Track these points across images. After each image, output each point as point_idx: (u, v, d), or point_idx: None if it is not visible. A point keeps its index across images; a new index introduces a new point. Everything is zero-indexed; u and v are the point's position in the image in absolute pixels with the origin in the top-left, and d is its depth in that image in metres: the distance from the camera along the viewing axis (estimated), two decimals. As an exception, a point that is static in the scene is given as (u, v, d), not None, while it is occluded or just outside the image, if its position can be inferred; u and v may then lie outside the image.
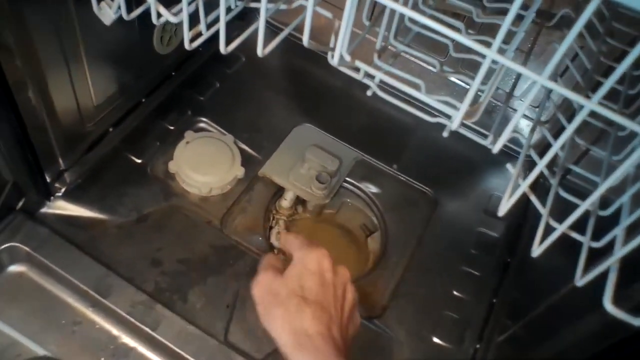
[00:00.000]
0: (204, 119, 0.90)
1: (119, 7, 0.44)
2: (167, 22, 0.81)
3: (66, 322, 0.68)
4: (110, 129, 0.82)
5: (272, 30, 0.97)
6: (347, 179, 0.89)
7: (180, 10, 0.42)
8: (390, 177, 0.91)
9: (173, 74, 0.89)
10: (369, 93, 0.45)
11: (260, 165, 0.87)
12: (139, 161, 0.83)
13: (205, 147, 0.85)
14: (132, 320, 0.67)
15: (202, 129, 0.90)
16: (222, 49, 0.43)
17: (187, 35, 0.42)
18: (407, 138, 0.96)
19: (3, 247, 0.69)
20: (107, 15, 0.45)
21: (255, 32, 0.42)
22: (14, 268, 0.71)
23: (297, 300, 0.49)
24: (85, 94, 0.74)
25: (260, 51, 0.42)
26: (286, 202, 0.86)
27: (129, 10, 0.44)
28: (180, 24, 0.42)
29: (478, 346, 0.74)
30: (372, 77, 0.43)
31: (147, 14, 0.44)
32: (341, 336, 0.49)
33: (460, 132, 0.44)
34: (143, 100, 0.86)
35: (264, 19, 0.40)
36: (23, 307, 0.68)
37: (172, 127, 0.88)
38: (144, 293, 0.69)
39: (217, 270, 0.75)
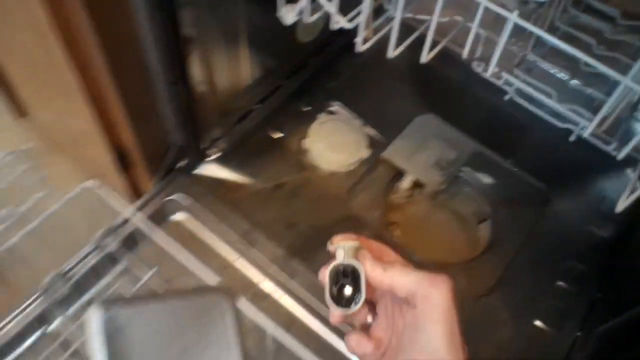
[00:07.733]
0: (336, 103, 1.00)
1: (301, 12, 0.53)
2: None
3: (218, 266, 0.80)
4: (256, 107, 0.94)
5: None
6: (464, 168, 0.96)
7: (354, 18, 0.51)
8: (504, 170, 0.96)
9: (309, 61, 1.00)
10: (506, 98, 0.51)
11: (384, 149, 0.95)
12: (278, 136, 0.95)
13: (336, 128, 0.95)
14: (271, 271, 0.78)
15: (334, 112, 0.99)
16: (390, 53, 0.52)
17: (360, 39, 0.51)
18: (525, 136, 1.00)
19: (168, 199, 0.83)
20: (288, 17, 0.54)
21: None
22: (175, 217, 0.84)
23: None
24: (242, 74, 0.86)
25: (391, 52, 0.50)
26: (405, 184, 0.94)
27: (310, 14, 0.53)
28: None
29: (578, 334, 0.79)
30: (510, 84, 0.49)
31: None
32: None
33: (586, 138, 0.50)
34: (283, 83, 0.97)
35: (398, 22, 0.48)
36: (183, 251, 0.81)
37: (307, 109, 0.98)
38: (282, 249, 0.80)
39: (341, 239, 0.85)
